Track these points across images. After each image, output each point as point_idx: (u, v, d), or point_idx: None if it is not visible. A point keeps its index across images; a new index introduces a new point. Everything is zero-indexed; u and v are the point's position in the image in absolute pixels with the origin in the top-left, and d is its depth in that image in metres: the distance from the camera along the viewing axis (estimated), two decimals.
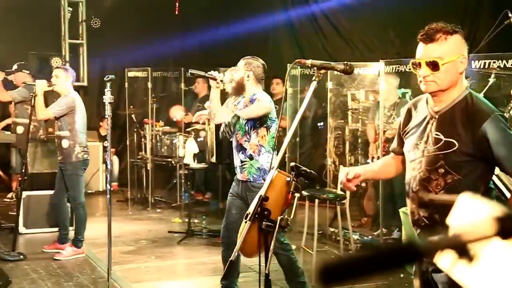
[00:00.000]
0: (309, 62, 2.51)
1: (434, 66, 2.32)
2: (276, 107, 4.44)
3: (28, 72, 7.49)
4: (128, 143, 8.97)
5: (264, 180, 4.15)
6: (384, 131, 6.20)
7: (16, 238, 6.06)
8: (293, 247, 6.15)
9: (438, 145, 2.36)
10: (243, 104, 4.40)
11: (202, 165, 7.28)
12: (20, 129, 7.47)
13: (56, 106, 5.95)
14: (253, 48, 9.98)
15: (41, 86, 5.93)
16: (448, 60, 2.32)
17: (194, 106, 8.60)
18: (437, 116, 2.41)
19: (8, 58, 8.20)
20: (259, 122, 4.25)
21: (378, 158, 6.07)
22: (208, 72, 4.40)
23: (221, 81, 4.38)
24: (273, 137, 4.32)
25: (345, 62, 2.56)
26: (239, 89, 4.42)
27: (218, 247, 6.37)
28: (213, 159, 6.32)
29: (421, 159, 2.42)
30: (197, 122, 7.04)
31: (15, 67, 7.46)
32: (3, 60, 8.17)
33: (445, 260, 1.10)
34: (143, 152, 8.76)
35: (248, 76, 4.37)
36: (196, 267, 4.59)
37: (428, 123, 2.43)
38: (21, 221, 6.82)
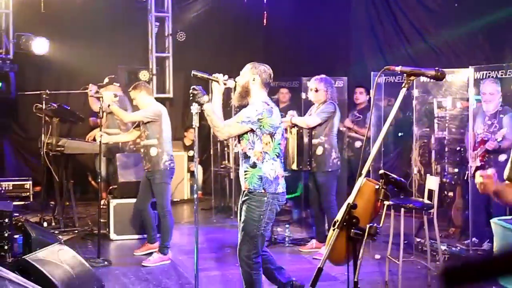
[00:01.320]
0: (398, 68, 2.49)
1: None
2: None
3: (118, 85, 7.77)
4: (212, 152, 9.14)
5: (265, 190, 4.11)
6: (485, 141, 5.93)
7: (99, 245, 6.25)
8: (378, 256, 6.13)
9: None
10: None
11: (285, 174, 7.28)
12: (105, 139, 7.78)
13: (143, 112, 6.16)
14: (335, 56, 9.99)
15: (108, 98, 6.20)
16: None
17: None
18: None
19: (99, 71, 8.57)
20: (258, 130, 4.14)
21: (477, 169, 5.77)
22: (213, 75, 4.29)
23: (224, 83, 4.27)
24: (279, 144, 4.23)
25: (436, 68, 2.51)
26: (244, 94, 4.28)
27: (301, 255, 6.41)
28: (294, 166, 6.32)
29: None
30: None
31: (106, 80, 7.78)
32: (94, 73, 8.54)
33: None
34: (226, 161, 8.90)
35: (254, 80, 4.26)
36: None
37: None
38: (112, 228, 7.11)
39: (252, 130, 4.14)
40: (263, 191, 4.15)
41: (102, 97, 6.21)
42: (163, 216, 6.20)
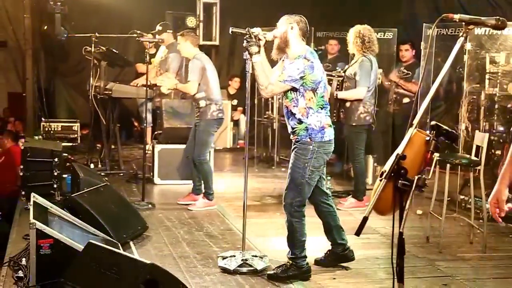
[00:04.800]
0: (457, 17, 2.39)
1: None
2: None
3: (171, 31, 7.71)
4: (255, 102, 9.15)
5: (311, 139, 4.14)
6: None
7: (144, 188, 6.40)
8: (420, 212, 6.10)
9: None
10: (288, 62, 4.26)
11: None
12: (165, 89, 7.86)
13: (193, 75, 6.14)
14: (385, 7, 9.72)
15: (168, 85, 6.39)
16: None
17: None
18: None
19: (147, 16, 8.57)
20: (301, 87, 4.13)
21: None
22: (251, 30, 4.21)
23: (264, 37, 4.22)
24: (322, 97, 4.21)
25: (497, 17, 2.40)
26: (283, 45, 4.24)
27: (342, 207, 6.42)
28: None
29: None
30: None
31: (158, 27, 7.74)
32: (142, 18, 8.56)
33: None
34: (270, 112, 8.89)
35: (292, 28, 4.22)
36: (319, 225, 4.64)
37: None
38: (156, 173, 7.25)
39: (294, 88, 4.14)
40: (309, 140, 4.20)
41: (161, 86, 6.43)
42: (199, 163, 6.25)
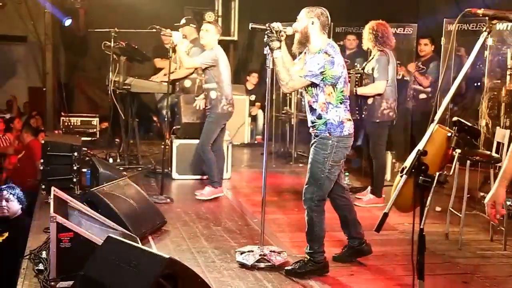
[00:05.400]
0: (480, 11, 2.36)
1: None
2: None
3: (195, 26, 7.76)
4: (274, 97, 9.13)
5: (330, 133, 4.13)
6: None
7: (163, 183, 6.44)
8: (439, 209, 6.05)
9: None
10: (309, 56, 4.24)
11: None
12: (188, 83, 7.88)
13: (201, 58, 6.26)
14: (404, 2, 9.64)
15: (177, 37, 6.25)
16: None
17: None
18: None
19: (166, 11, 8.59)
20: (321, 82, 4.11)
21: None
22: (271, 25, 4.17)
23: (285, 32, 4.19)
24: (342, 92, 4.17)
25: None
26: (304, 40, 4.23)
27: (360, 203, 6.39)
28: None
29: None
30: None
31: (183, 21, 7.76)
32: (161, 13, 8.57)
33: None
34: (288, 107, 8.87)
35: (312, 23, 4.19)
36: (337, 221, 4.62)
37: None
38: (174, 168, 7.27)
39: (314, 83, 4.13)
40: (328, 134, 4.19)
41: (171, 35, 6.31)
42: (203, 153, 6.36)
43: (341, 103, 4.20)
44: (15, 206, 5.37)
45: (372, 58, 6.19)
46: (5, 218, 5.35)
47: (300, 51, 4.41)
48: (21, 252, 4.60)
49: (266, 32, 4.18)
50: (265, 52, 4.26)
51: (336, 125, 4.17)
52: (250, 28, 4.29)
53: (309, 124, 4.33)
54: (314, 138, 4.30)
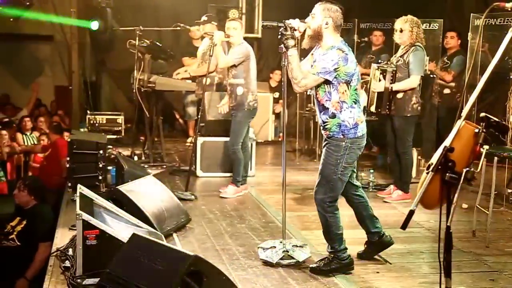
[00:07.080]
0: (509, 5, 2.31)
1: None
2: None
3: (216, 23, 7.75)
4: (298, 94, 9.09)
5: (344, 135, 4.04)
6: None
7: (189, 180, 6.48)
8: (465, 206, 5.97)
9: None
10: (318, 55, 4.13)
11: (372, 118, 7.14)
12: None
13: (234, 55, 6.27)
14: None
15: (219, 36, 6.22)
16: None
17: (365, 58, 8.46)
18: None
19: (190, 9, 8.61)
20: (334, 79, 3.99)
21: None
22: (286, 22, 4.05)
23: (296, 29, 4.06)
24: (355, 90, 4.07)
25: None
26: (316, 38, 4.10)
27: (385, 200, 6.34)
28: (372, 108, 6.21)
29: None
30: (367, 74, 6.91)
31: (204, 18, 7.77)
32: (185, 11, 8.59)
33: None
34: (312, 104, 8.82)
35: (326, 24, 4.06)
36: (353, 218, 4.59)
37: None
38: (198, 165, 7.30)
39: (328, 81, 4.04)
40: (342, 136, 4.09)
41: (213, 35, 6.33)
42: (233, 153, 6.39)
43: (355, 103, 4.10)
44: None
45: (406, 52, 6.08)
46: (21, 207, 5.78)
47: (311, 47, 4.24)
48: (40, 237, 5.34)
49: (280, 30, 4.09)
50: (279, 51, 4.14)
51: (350, 127, 4.07)
52: (261, 26, 4.22)
53: (320, 124, 4.22)
54: (326, 140, 4.19)
